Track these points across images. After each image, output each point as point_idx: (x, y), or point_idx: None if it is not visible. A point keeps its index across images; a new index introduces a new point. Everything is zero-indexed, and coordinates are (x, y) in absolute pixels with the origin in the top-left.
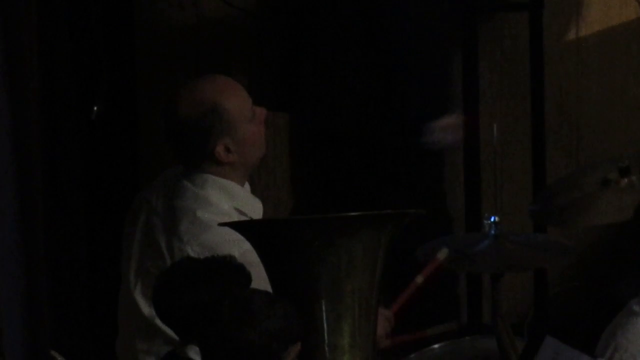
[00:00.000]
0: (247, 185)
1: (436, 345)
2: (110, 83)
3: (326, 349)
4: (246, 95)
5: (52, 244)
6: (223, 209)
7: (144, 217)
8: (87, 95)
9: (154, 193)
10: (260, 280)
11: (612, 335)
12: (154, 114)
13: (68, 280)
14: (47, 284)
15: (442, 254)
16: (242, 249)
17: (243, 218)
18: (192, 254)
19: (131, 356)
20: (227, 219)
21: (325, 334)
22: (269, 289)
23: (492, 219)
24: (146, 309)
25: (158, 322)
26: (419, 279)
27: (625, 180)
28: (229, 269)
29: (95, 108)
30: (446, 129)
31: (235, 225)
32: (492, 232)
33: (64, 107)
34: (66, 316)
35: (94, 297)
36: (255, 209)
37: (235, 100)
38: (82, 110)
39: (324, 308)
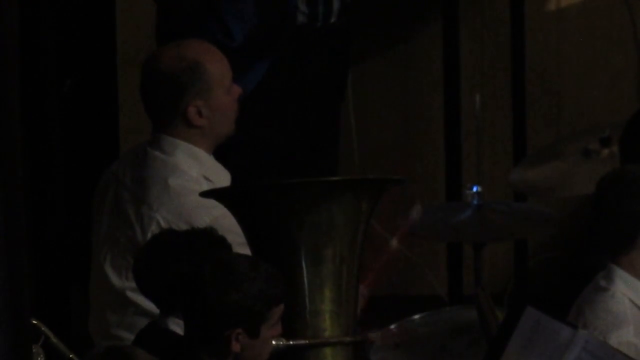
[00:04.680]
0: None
1: (417, 316)
2: (87, 57)
3: (307, 316)
4: (229, 67)
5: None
6: (192, 176)
7: (113, 191)
8: (62, 68)
9: (121, 167)
10: (234, 246)
11: (580, 311)
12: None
13: (48, 253)
14: (27, 258)
15: (416, 212)
16: (212, 216)
17: (211, 185)
18: (161, 221)
19: (103, 330)
20: (197, 186)
21: (307, 301)
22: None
23: (475, 189)
24: (116, 280)
25: (129, 293)
26: (394, 243)
27: (606, 150)
28: (209, 239)
29: (68, 82)
30: None
31: (212, 193)
32: (475, 202)
33: (41, 80)
34: (46, 288)
35: (72, 275)
36: (222, 178)
37: (218, 66)
38: (56, 84)
39: (305, 274)
